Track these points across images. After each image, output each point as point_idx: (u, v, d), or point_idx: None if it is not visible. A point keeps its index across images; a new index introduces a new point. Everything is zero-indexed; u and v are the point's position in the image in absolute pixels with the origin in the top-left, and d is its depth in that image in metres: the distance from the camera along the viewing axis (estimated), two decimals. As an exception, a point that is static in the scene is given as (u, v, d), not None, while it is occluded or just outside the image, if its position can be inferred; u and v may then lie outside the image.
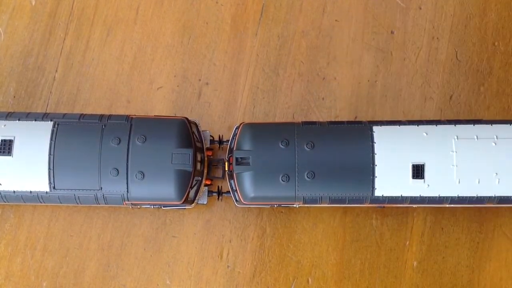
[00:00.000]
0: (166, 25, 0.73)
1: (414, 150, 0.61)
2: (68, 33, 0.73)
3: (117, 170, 0.61)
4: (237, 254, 0.67)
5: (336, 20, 0.73)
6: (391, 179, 0.61)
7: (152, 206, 0.65)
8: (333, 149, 0.62)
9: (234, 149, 0.63)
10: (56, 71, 0.72)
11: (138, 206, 0.65)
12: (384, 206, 0.65)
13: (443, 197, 0.62)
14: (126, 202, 0.62)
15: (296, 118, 0.71)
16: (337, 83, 0.72)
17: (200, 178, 0.64)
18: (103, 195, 0.61)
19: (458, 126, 0.63)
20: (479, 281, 0.67)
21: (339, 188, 0.62)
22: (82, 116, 0.64)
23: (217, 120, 0.71)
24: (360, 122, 0.64)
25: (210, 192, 0.67)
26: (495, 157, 0.61)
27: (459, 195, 0.62)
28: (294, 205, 0.64)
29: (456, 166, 0.61)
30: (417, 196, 0.62)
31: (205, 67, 0.72)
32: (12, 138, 0.61)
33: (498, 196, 0.62)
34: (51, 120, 0.63)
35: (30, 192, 0.61)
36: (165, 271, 0.67)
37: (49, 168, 0.61)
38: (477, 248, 0.68)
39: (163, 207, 0.65)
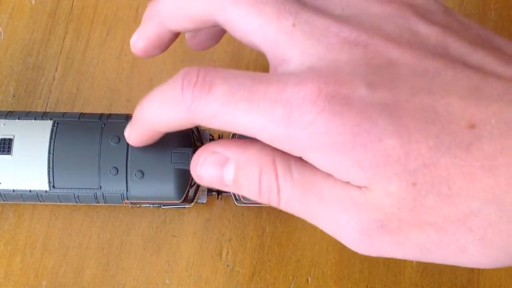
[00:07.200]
0: (166, 25, 0.73)
1: (413, 149, 0.61)
2: (68, 32, 0.73)
3: (117, 169, 0.60)
4: (236, 253, 0.67)
5: (335, 20, 0.73)
6: (390, 178, 0.61)
7: (152, 205, 0.65)
8: (332, 148, 0.61)
9: (234, 148, 0.63)
10: (56, 70, 0.72)
11: (138, 205, 0.65)
12: (383, 205, 0.65)
13: (443, 196, 0.61)
14: (126, 201, 0.62)
15: (295, 117, 0.71)
16: (337, 82, 0.71)
17: (199, 177, 0.64)
18: (102, 194, 0.61)
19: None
20: (479, 280, 0.67)
21: (339, 187, 0.61)
22: (81, 115, 0.64)
23: (216, 119, 0.71)
24: (359, 121, 0.64)
25: (209, 191, 0.67)
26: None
27: (459, 194, 0.61)
28: (294, 204, 0.64)
29: (456, 165, 0.61)
30: (417, 195, 0.61)
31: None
32: (12, 137, 0.61)
33: (497, 195, 0.61)
34: (50, 119, 0.63)
35: (30, 191, 0.61)
36: (164, 270, 0.67)
37: (49, 167, 0.60)
38: (476, 247, 0.68)
39: (163, 206, 0.65)
